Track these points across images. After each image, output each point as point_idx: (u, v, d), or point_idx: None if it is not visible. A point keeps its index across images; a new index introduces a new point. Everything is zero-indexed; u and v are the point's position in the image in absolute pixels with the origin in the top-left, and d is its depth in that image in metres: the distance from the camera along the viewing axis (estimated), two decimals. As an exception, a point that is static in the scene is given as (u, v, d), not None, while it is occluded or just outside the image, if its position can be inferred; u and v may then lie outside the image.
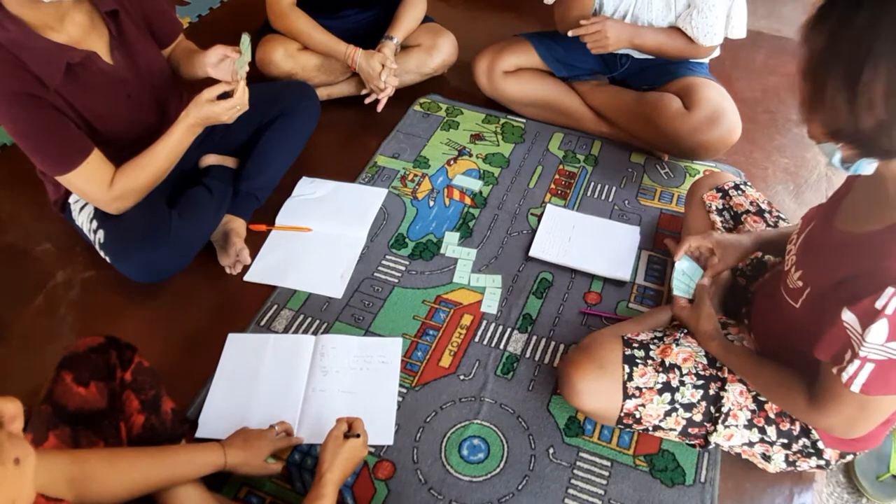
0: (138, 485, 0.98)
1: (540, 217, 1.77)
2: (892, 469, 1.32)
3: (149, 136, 1.46)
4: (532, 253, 1.67)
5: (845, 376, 0.90)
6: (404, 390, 1.40)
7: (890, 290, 0.82)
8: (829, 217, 1.02)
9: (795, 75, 0.83)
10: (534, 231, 1.74)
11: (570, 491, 1.25)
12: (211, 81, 1.48)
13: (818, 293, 0.98)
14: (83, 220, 1.52)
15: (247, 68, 1.45)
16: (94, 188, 1.39)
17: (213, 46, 1.51)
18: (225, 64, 1.49)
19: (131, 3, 1.45)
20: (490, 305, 1.56)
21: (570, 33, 1.82)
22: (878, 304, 0.83)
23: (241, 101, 1.43)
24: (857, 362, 0.88)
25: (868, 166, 0.85)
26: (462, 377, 1.42)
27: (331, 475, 1.06)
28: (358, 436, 1.15)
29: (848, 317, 0.88)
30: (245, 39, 1.43)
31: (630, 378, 1.20)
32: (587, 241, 1.70)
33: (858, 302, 0.86)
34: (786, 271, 1.09)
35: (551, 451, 1.30)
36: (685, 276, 1.29)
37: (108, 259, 1.51)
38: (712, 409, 1.18)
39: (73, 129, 1.34)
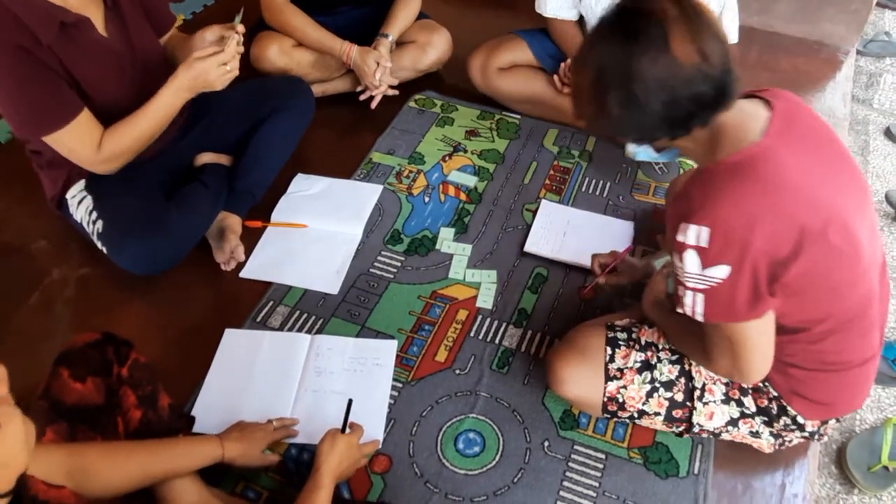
0: (136, 477, 0.99)
1: (535, 212, 1.78)
2: (884, 460, 1.34)
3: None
4: (527, 248, 1.68)
5: (688, 309, 1.02)
6: (400, 385, 1.40)
7: (684, 225, 0.96)
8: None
9: (575, 103, 1.04)
10: (529, 226, 1.75)
11: (566, 483, 1.26)
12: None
13: None
14: (82, 212, 1.52)
15: (239, 36, 1.45)
16: (84, 147, 1.39)
17: (208, 26, 1.51)
18: (221, 43, 1.49)
19: None
20: (485, 300, 1.57)
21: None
22: (681, 238, 0.97)
23: (230, 55, 1.42)
24: (689, 294, 1.00)
25: (643, 151, 1.18)
26: (458, 372, 1.43)
27: (328, 466, 1.07)
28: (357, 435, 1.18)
29: (674, 258, 1.01)
30: (237, 16, 1.47)
31: (612, 360, 1.23)
32: (582, 235, 1.71)
33: (673, 241, 1.00)
34: None
35: (546, 444, 1.31)
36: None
37: (105, 250, 1.51)
38: (691, 385, 1.20)
39: (65, 87, 1.34)
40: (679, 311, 1.04)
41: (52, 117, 1.34)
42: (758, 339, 1.01)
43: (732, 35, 1.79)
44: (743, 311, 0.98)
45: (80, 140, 1.38)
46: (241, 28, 1.47)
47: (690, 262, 0.97)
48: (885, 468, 1.35)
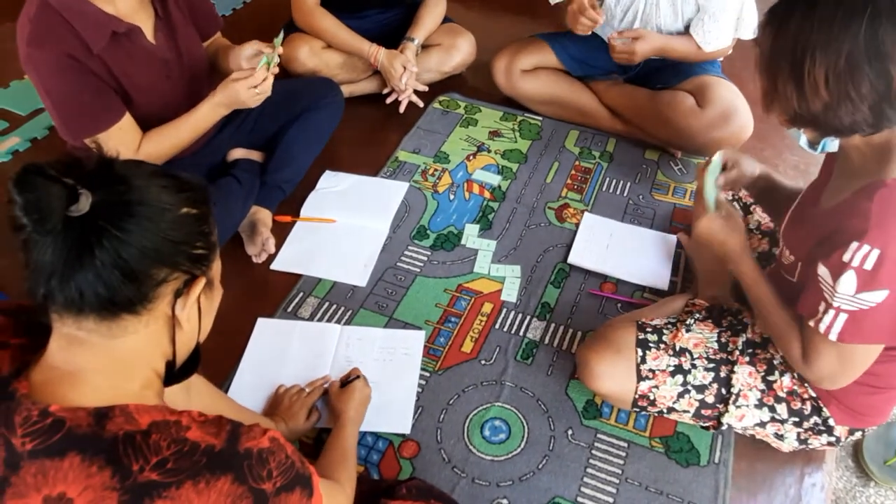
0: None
1: (558, 212, 1.83)
2: (900, 453, 1.37)
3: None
4: (570, 260, 1.68)
5: (822, 326, 0.99)
6: (427, 374, 1.45)
7: (854, 245, 0.91)
8: (815, 197, 1.11)
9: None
10: (550, 224, 1.79)
11: (589, 470, 1.30)
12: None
13: (807, 263, 1.06)
14: None
15: (277, 60, 1.53)
16: (123, 150, 1.44)
17: (249, 41, 1.58)
18: (259, 58, 1.55)
19: None
20: (510, 294, 1.61)
21: (608, 38, 1.85)
22: (845, 258, 0.92)
23: (260, 79, 1.50)
24: (831, 312, 0.97)
25: (831, 143, 1.01)
26: (483, 362, 1.47)
27: (350, 414, 1.24)
28: (357, 378, 1.35)
29: (822, 270, 0.97)
30: (279, 38, 1.54)
31: (643, 361, 1.25)
32: (624, 248, 1.71)
33: (830, 256, 0.95)
34: (780, 250, 1.17)
35: (570, 432, 1.35)
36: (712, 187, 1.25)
37: None
38: (723, 391, 1.22)
39: (110, 93, 1.40)
40: (811, 324, 1.01)
41: (94, 123, 1.40)
42: (870, 358, 1.01)
43: (750, 30, 1.80)
44: (885, 336, 0.96)
45: (120, 143, 1.44)
46: (280, 50, 1.54)
47: (847, 283, 0.93)
48: (902, 462, 1.38)
